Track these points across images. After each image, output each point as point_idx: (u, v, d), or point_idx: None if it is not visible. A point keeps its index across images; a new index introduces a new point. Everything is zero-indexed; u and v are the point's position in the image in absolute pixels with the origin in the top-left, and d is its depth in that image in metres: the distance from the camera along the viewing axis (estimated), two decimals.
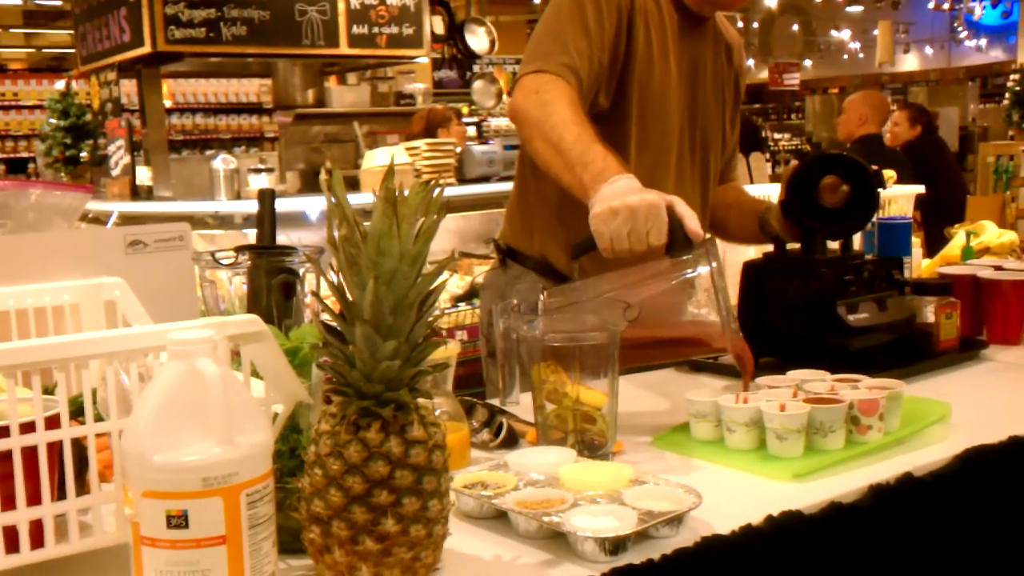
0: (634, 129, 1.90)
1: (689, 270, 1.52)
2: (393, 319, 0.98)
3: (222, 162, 5.13)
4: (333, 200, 0.99)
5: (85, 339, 1.04)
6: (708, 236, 1.56)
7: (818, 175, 1.89)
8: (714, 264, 1.49)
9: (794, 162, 2.06)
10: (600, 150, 1.64)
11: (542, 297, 1.51)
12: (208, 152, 10.42)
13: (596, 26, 1.82)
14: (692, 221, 1.53)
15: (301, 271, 1.54)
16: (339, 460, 0.98)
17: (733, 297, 1.96)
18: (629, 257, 1.55)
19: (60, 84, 10.03)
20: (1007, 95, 12.63)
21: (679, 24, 1.96)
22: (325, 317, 1.02)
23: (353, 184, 5.30)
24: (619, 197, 1.53)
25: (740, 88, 2.14)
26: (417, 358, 1.01)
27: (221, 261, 1.47)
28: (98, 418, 1.05)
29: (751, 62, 19.63)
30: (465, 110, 8.35)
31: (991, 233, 2.56)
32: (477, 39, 7.63)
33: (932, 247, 3.30)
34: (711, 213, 2.11)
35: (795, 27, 18.66)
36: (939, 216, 5.14)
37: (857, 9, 16.84)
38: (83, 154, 7.62)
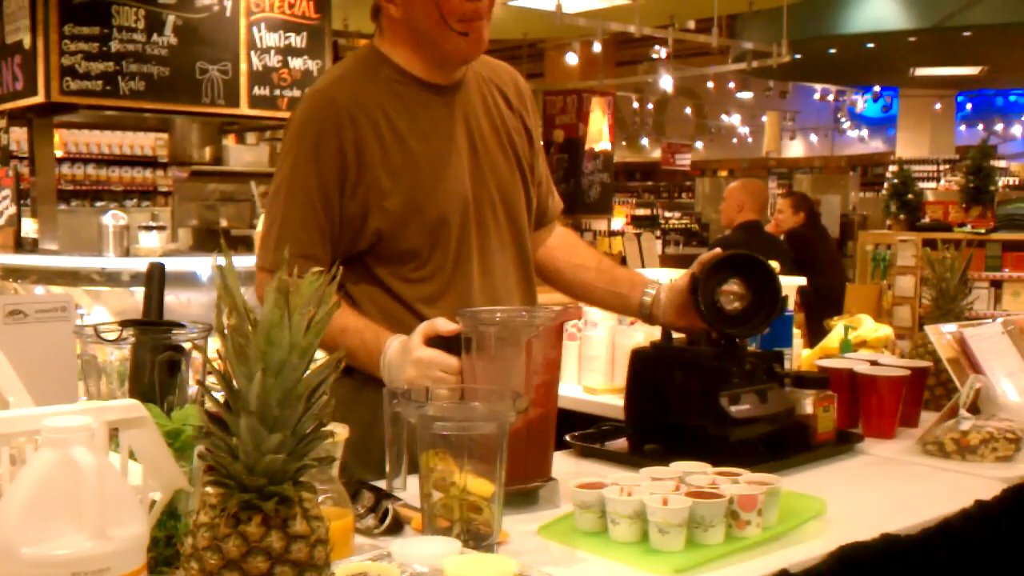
0: (418, 238, 1.85)
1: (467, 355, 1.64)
2: (280, 411, 0.97)
3: (112, 218, 5.00)
4: (224, 288, 0.98)
5: None
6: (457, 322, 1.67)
7: (720, 280, 1.91)
8: (459, 349, 1.64)
9: (685, 273, 2.08)
10: (353, 335, 1.77)
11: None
12: (99, 204, 10.17)
13: (317, 186, 1.80)
14: (442, 326, 1.67)
15: (187, 346, 1.51)
16: (217, 554, 0.96)
17: (622, 380, 1.99)
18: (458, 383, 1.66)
19: None
20: (886, 185, 13.18)
21: (426, 100, 1.87)
22: (209, 406, 1.00)
23: (248, 245, 5.23)
24: (395, 378, 1.70)
25: (531, 124, 2.03)
26: (303, 451, 1.00)
27: (104, 336, 1.43)
28: None
29: (645, 140, 20.18)
30: None
31: (868, 327, 2.67)
32: None
33: (813, 334, 3.41)
34: (549, 264, 2.11)
35: (688, 110, 19.30)
36: (820, 302, 5.34)
37: (747, 96, 17.52)
38: None
